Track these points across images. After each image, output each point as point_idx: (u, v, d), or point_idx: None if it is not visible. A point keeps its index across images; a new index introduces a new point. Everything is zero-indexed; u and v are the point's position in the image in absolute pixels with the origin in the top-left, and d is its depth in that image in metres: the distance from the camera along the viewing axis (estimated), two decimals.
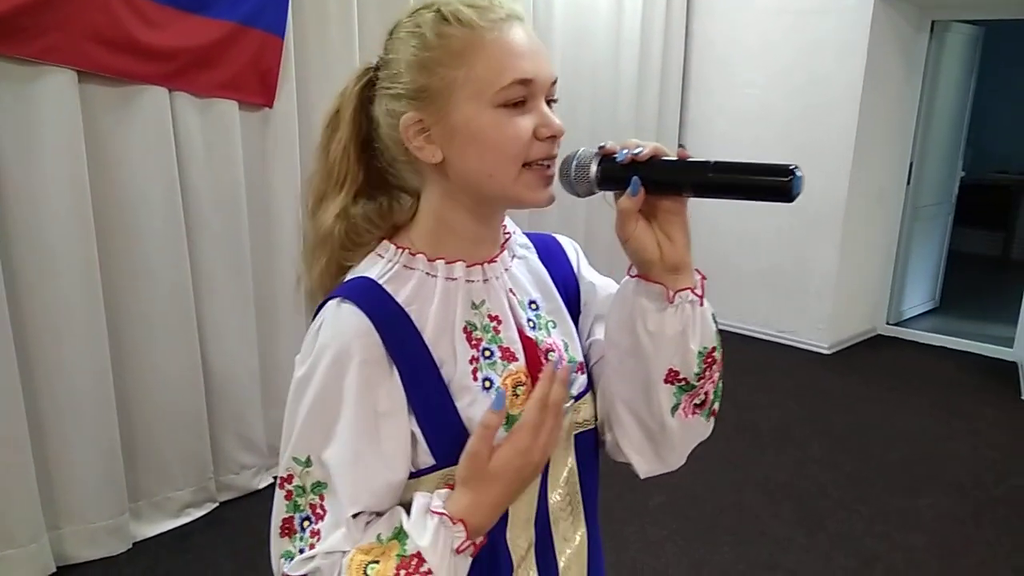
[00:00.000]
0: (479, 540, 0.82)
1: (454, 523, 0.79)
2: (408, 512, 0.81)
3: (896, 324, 5.43)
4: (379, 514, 0.83)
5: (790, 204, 0.79)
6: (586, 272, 1.03)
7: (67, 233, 2.45)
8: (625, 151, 0.82)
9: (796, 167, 0.76)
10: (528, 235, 1.02)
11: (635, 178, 0.81)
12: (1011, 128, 7.28)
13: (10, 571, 2.45)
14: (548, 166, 0.85)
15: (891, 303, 5.39)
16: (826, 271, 4.90)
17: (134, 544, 2.79)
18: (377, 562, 0.78)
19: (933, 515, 3.12)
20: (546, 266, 0.99)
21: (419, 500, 0.82)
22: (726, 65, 5.07)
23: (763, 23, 4.86)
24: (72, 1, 2.30)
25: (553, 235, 1.05)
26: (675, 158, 0.82)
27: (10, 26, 2.21)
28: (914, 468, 3.51)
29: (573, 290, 1.00)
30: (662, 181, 0.81)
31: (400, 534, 0.80)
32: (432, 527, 0.79)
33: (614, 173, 0.83)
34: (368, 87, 0.89)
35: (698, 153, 0.81)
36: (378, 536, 0.81)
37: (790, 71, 4.80)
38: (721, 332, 0.93)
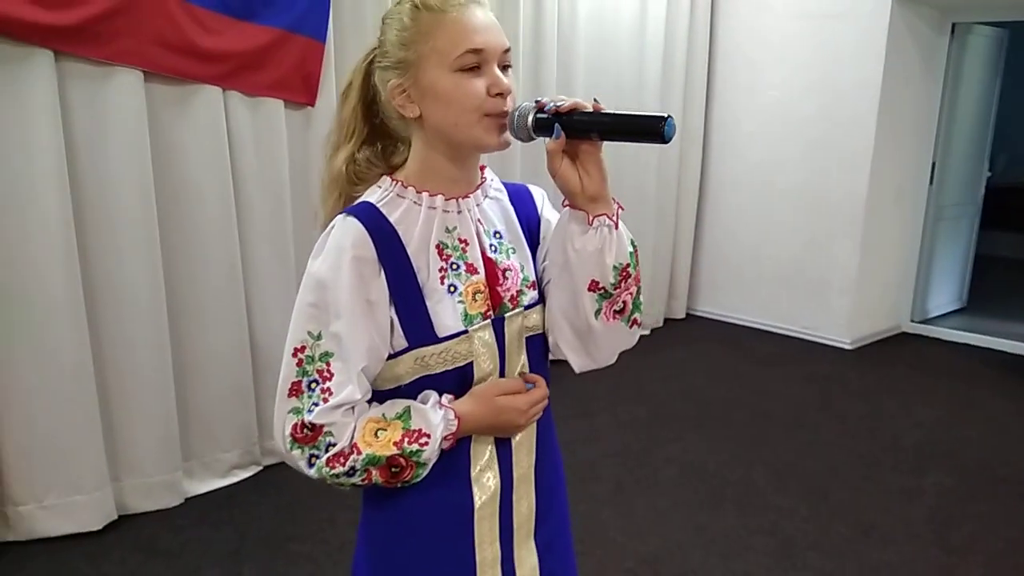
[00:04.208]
0: (451, 440, 1.07)
1: (455, 416, 1.07)
2: (407, 404, 1.07)
3: (921, 322, 5.51)
4: (375, 400, 1.08)
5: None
6: (548, 213, 1.25)
7: (133, 217, 2.77)
8: (551, 104, 1.04)
9: (669, 116, 0.99)
10: (505, 184, 1.24)
11: (556, 125, 1.03)
12: None
13: (78, 515, 2.76)
14: (503, 117, 1.06)
15: (915, 301, 5.48)
16: (847, 268, 5.02)
17: (186, 499, 3.08)
18: (385, 429, 1.04)
19: (935, 492, 3.25)
20: (515, 207, 1.21)
21: (432, 396, 1.08)
22: (750, 67, 5.25)
23: (784, 27, 5.03)
24: (140, 10, 2.62)
25: (526, 184, 1.29)
26: (590, 110, 1.04)
27: (87, 32, 2.54)
28: (923, 451, 3.63)
29: (535, 226, 1.23)
30: (577, 128, 1.03)
31: (404, 414, 1.06)
32: (440, 414, 1.06)
33: (544, 122, 1.04)
34: (372, 64, 1.13)
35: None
36: (383, 414, 1.06)
37: (810, 73, 4.96)
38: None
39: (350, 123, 1.15)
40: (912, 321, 5.50)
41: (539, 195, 1.27)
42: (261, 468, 3.33)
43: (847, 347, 5.11)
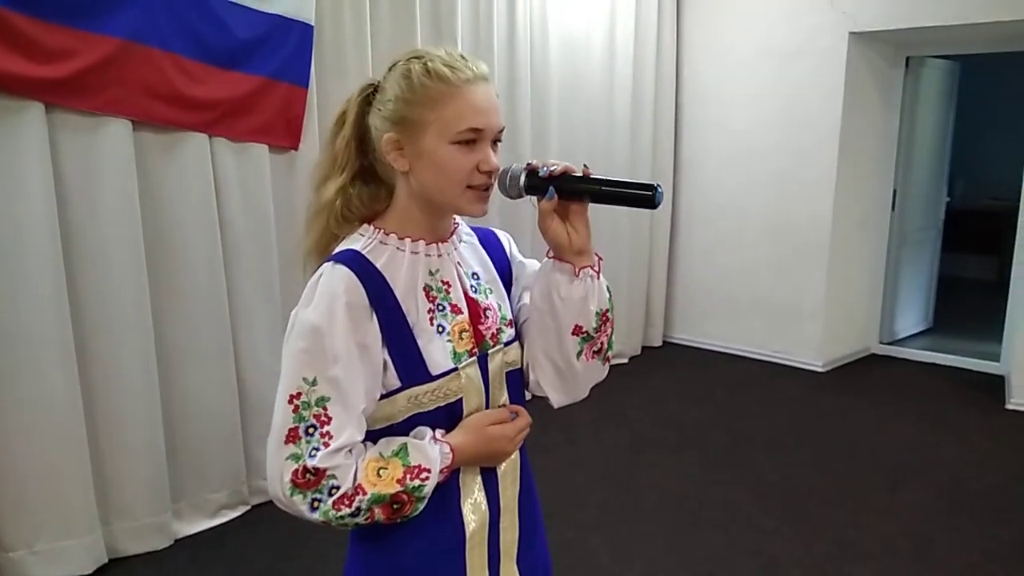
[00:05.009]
0: (446, 473, 1.13)
1: (449, 449, 1.13)
2: (403, 441, 1.12)
3: (889, 344, 5.66)
4: (369, 440, 1.12)
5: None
6: (516, 255, 1.35)
7: (122, 260, 2.82)
8: (545, 168, 1.14)
9: (659, 185, 1.11)
10: (472, 228, 1.33)
11: (551, 188, 1.14)
12: (1002, 156, 7.55)
13: (69, 559, 2.76)
14: (485, 190, 1.15)
15: (883, 324, 5.64)
16: (816, 294, 5.18)
17: (176, 540, 3.09)
18: (386, 468, 1.08)
19: (912, 508, 3.36)
20: (485, 250, 1.30)
21: (427, 433, 1.13)
22: (715, 105, 5.45)
23: (747, 65, 5.24)
24: (128, 62, 2.70)
25: (491, 228, 1.37)
26: (581, 174, 1.15)
27: (77, 85, 2.61)
28: (899, 469, 3.75)
29: (506, 268, 1.31)
30: (570, 191, 1.14)
31: (402, 451, 1.10)
32: (436, 448, 1.12)
33: (537, 184, 1.15)
34: (367, 99, 1.18)
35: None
36: (380, 453, 1.10)
37: (773, 109, 5.16)
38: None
39: (343, 155, 1.18)
40: (881, 343, 5.66)
41: (505, 238, 1.36)
42: (249, 507, 3.34)
43: (819, 370, 5.24)
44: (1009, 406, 4.51)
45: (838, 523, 3.23)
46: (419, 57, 1.14)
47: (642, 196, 1.11)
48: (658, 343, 5.86)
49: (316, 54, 3.31)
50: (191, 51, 2.87)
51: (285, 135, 3.28)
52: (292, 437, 1.05)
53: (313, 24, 3.25)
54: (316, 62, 3.32)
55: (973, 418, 4.40)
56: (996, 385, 4.87)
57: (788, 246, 5.23)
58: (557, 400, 1.28)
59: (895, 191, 5.43)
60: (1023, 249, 4.69)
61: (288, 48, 3.17)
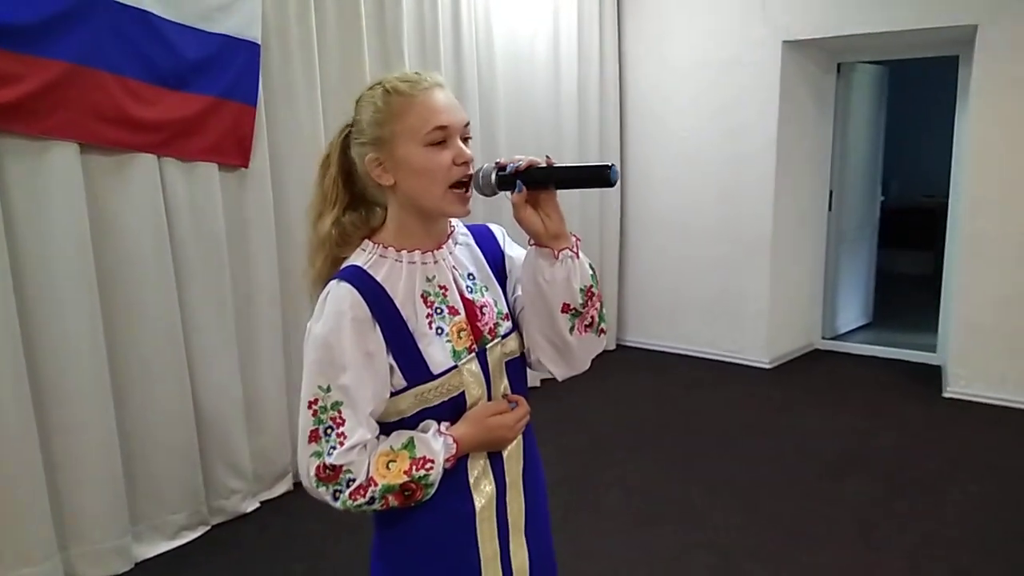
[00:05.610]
0: (452, 461, 1.25)
1: (453, 441, 1.25)
2: (410, 435, 1.24)
3: (832, 339, 5.87)
4: (384, 433, 1.25)
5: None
6: (510, 249, 1.43)
7: (73, 283, 2.80)
8: (512, 164, 1.24)
9: (612, 164, 1.21)
10: (468, 227, 1.42)
11: (518, 181, 1.24)
12: (933, 156, 7.88)
13: None
14: (465, 189, 1.25)
15: (825, 320, 5.85)
16: (760, 293, 5.35)
17: (136, 564, 3.07)
18: (394, 461, 1.21)
19: (857, 495, 3.50)
20: (480, 248, 1.39)
21: (432, 426, 1.25)
22: (658, 115, 5.60)
23: (686, 77, 5.41)
24: (75, 85, 2.69)
25: (487, 224, 1.47)
26: (544, 165, 1.24)
27: (23, 109, 2.59)
28: (842, 459, 3.90)
29: (500, 263, 1.41)
30: (535, 181, 1.24)
31: (409, 444, 1.22)
32: (440, 440, 1.24)
33: (506, 179, 1.25)
34: (347, 139, 1.30)
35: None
36: (390, 447, 1.22)
37: (714, 116, 5.33)
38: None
39: (332, 192, 1.30)
40: (823, 338, 5.86)
41: (499, 232, 1.45)
42: (209, 528, 3.33)
43: (766, 366, 5.41)
44: (946, 394, 4.72)
45: (788, 513, 3.36)
46: (379, 83, 1.26)
47: (599, 176, 1.21)
48: (612, 347, 5.97)
49: (264, 72, 3.33)
50: (139, 73, 2.88)
51: (235, 153, 3.29)
52: (314, 437, 1.20)
53: (260, 43, 3.27)
54: (264, 80, 3.34)
55: (912, 407, 4.60)
56: (933, 375, 5.09)
57: (733, 249, 5.40)
58: (560, 374, 1.38)
59: (831, 191, 5.64)
60: (955, 243, 4.92)
61: (236, 67, 3.19)
